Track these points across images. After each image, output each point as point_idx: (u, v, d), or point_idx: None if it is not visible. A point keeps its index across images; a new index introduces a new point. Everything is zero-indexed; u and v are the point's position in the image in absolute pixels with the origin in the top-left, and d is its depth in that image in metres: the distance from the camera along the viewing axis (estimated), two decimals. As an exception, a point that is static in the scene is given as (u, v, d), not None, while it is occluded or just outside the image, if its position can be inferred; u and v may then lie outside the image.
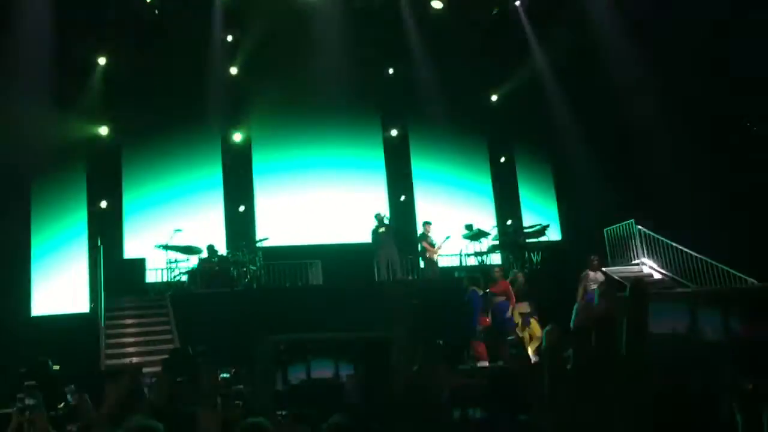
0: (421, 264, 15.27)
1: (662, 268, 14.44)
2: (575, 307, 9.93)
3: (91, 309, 13.36)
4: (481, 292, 11.07)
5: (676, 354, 0.56)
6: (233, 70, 16.15)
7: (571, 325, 7.45)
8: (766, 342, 0.53)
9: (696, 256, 13.82)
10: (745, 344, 0.53)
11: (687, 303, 0.54)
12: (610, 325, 0.56)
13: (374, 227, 14.35)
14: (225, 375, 6.38)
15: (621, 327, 0.58)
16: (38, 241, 14.57)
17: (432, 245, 14.60)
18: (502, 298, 11.18)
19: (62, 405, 7.02)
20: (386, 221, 14.46)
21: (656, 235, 14.69)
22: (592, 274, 11.46)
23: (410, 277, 15.42)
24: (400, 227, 16.47)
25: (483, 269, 13.08)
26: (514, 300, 11.15)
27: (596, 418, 0.55)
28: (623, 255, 15.40)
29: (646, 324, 0.57)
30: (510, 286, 11.37)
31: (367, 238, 14.64)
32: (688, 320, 0.54)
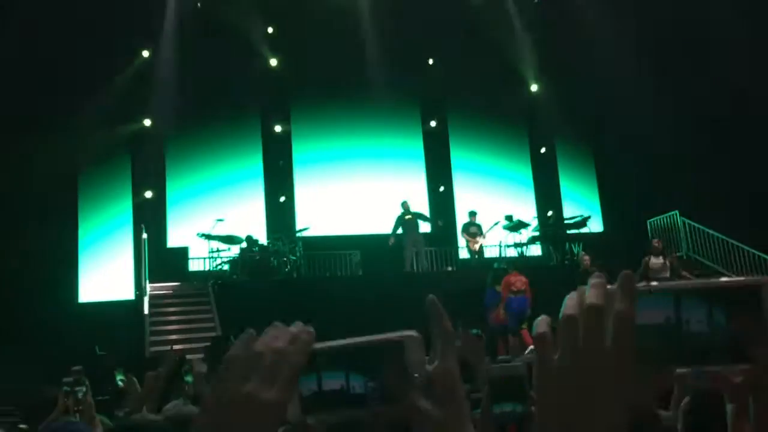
0: (465, 255, 15.24)
1: (708, 260, 14.14)
2: None
3: (136, 296, 13.66)
4: (499, 289, 11.12)
5: (663, 346, 0.55)
6: (273, 62, 16.26)
7: None
8: (751, 332, 0.52)
9: (743, 248, 13.49)
10: (732, 334, 0.52)
11: (673, 295, 0.53)
12: (598, 315, 0.55)
13: (400, 214, 14.39)
14: None
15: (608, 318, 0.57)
16: (85, 231, 14.94)
17: (473, 236, 14.57)
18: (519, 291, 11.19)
19: (111, 389, 7.21)
20: (411, 210, 14.48)
21: (702, 227, 14.37)
22: (653, 260, 10.53)
23: (450, 268, 15.41)
24: (441, 218, 16.47)
25: (521, 260, 12.99)
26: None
27: (580, 411, 0.55)
28: (668, 247, 15.09)
29: (633, 316, 0.56)
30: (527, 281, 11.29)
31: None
32: (674, 312, 0.53)
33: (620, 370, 0.65)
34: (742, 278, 0.71)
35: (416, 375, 0.72)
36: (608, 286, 0.68)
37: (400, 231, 14.32)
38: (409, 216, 14.40)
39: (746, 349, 0.68)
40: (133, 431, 2.94)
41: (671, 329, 0.69)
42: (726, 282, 0.71)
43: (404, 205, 14.48)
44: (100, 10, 13.39)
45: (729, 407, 0.78)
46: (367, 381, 0.73)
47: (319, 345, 0.75)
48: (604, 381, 0.64)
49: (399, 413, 0.72)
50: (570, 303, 0.68)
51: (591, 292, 0.68)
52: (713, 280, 0.72)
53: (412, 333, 0.74)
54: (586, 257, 11.53)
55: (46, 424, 3.22)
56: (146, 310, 12.15)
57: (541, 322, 0.70)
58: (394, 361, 0.72)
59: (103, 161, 14.85)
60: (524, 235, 15.50)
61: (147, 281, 12.97)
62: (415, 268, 14.20)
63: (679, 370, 0.73)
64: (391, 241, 14.22)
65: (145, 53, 15.36)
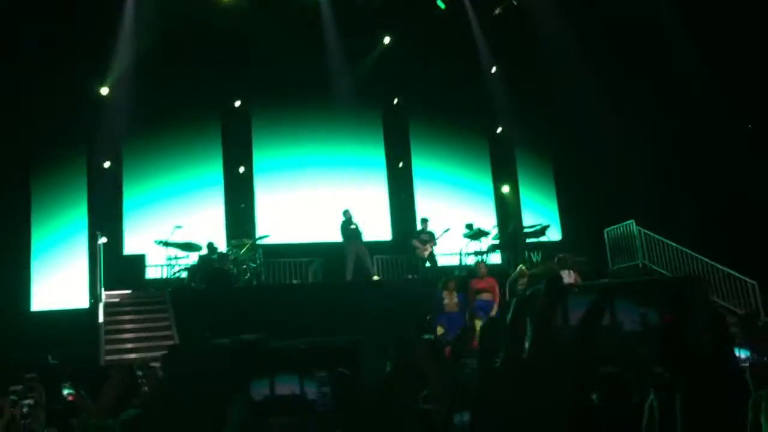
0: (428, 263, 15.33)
1: (663, 269, 14.44)
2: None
3: (90, 304, 13.37)
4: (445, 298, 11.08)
5: (597, 345, 0.56)
6: (232, 65, 16.09)
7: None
8: (678, 330, 0.53)
9: (697, 257, 13.80)
10: (661, 333, 0.53)
11: (606, 295, 0.54)
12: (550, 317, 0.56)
13: (343, 222, 14.42)
14: None
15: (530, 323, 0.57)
16: (38, 237, 14.58)
17: (424, 243, 14.65)
18: (486, 296, 11.16)
19: (62, 398, 7.03)
20: (353, 219, 14.54)
21: (657, 236, 14.67)
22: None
23: (410, 276, 15.44)
24: (404, 225, 16.56)
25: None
26: (498, 298, 11.05)
27: (520, 415, 0.55)
28: (624, 255, 15.39)
29: (551, 319, 0.56)
30: (496, 284, 11.30)
31: (369, 236, 14.74)
32: (608, 311, 0.54)
33: (555, 370, 0.65)
34: (667, 276, 0.71)
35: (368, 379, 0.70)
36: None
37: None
38: (353, 225, 14.50)
39: (671, 347, 0.68)
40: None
41: (604, 326, 0.69)
42: (650, 278, 0.71)
43: (346, 213, 14.54)
44: (54, 10, 13.15)
45: (653, 396, 0.79)
46: (319, 385, 0.71)
47: (273, 344, 0.72)
48: (543, 380, 0.65)
49: (350, 417, 0.71)
50: (516, 309, 0.68)
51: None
52: (635, 278, 0.72)
53: (365, 338, 0.73)
54: (522, 267, 11.62)
55: None
56: (101, 319, 11.89)
57: (486, 326, 0.70)
58: (347, 366, 0.71)
59: (58, 165, 14.52)
60: (484, 243, 15.63)
61: (102, 289, 12.70)
62: (375, 276, 14.23)
63: (603, 369, 0.73)
64: (349, 252, 14.28)
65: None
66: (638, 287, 0.55)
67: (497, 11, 16.86)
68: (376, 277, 14.45)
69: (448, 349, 10.27)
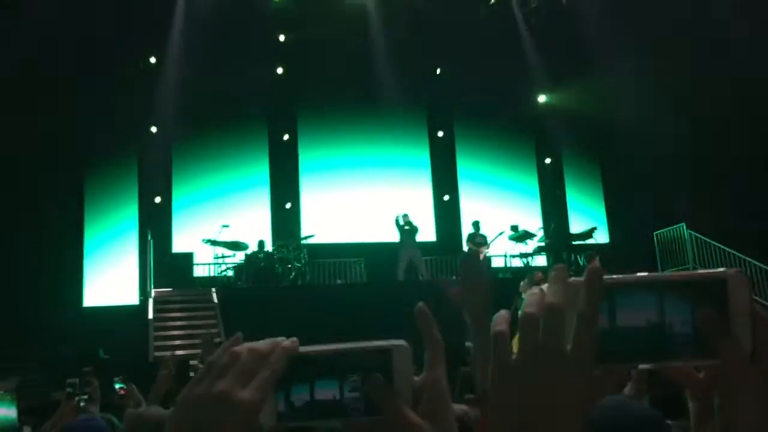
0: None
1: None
2: None
3: (140, 301, 13.67)
4: None
5: (625, 343, 0.53)
6: (280, 70, 16.30)
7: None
8: (715, 326, 0.50)
9: (750, 261, 13.42)
10: (695, 329, 0.50)
11: (653, 291, 0.51)
12: (558, 314, 0.54)
13: (400, 224, 14.48)
14: None
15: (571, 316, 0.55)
16: (91, 235, 14.97)
17: (478, 246, 14.53)
18: None
19: (113, 393, 7.20)
20: (411, 221, 14.53)
21: (709, 240, 14.31)
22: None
23: (455, 278, 15.34)
24: (446, 227, 16.52)
25: (528, 271, 12.92)
26: None
27: (536, 413, 0.53)
28: (674, 260, 15.05)
29: (595, 318, 0.54)
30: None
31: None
32: (656, 311, 0.51)
33: (580, 372, 0.63)
34: (706, 271, 0.69)
35: (403, 386, 0.70)
36: (571, 279, 0.66)
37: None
38: (408, 227, 14.48)
39: (710, 344, 0.66)
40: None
41: (633, 324, 0.67)
42: (689, 275, 0.69)
43: (405, 217, 14.58)
44: (108, 15, 13.46)
45: (691, 406, 0.75)
46: (349, 390, 0.70)
47: (302, 348, 0.72)
48: (563, 382, 0.63)
49: (382, 426, 0.70)
50: (531, 300, 0.66)
51: (550, 288, 0.66)
52: (677, 273, 0.70)
53: (401, 342, 0.72)
54: (539, 273, 11.20)
55: (61, 424, 3.21)
56: (150, 315, 12.15)
57: (500, 319, 0.68)
58: (380, 371, 0.70)
59: (110, 166, 14.90)
60: (530, 245, 15.46)
61: (152, 286, 12.98)
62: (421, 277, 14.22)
63: (641, 367, 0.71)
64: (401, 257, 14.32)
65: (152, 59, 15.41)
66: (676, 282, 0.53)
67: (534, 4, 16.70)
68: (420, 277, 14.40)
69: None
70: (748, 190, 13.91)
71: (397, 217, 14.56)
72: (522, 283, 11.08)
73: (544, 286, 0.67)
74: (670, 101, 14.64)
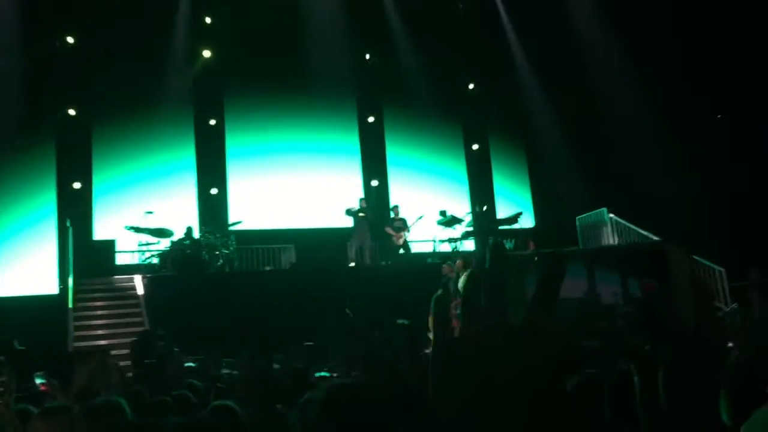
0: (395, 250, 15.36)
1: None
2: None
3: (59, 290, 13.18)
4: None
5: (575, 319, 0.53)
6: (207, 53, 15.94)
7: None
8: (660, 302, 0.51)
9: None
10: (641, 306, 0.51)
11: (585, 264, 0.51)
12: (501, 286, 0.53)
13: (355, 210, 14.47)
14: (190, 364, 6.33)
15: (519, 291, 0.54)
16: (5, 222, 14.31)
17: (398, 231, 14.69)
18: None
19: (30, 386, 6.93)
20: (366, 209, 14.59)
21: (627, 224, 14.83)
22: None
23: (383, 263, 15.43)
24: (376, 211, 16.55)
25: (455, 256, 13.11)
26: None
27: (479, 388, 0.52)
28: (595, 242, 15.53)
29: (558, 290, 0.53)
30: None
31: (340, 222, 14.72)
32: (587, 282, 0.51)
33: (529, 342, 0.62)
34: (647, 242, 0.69)
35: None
36: (512, 253, 0.65)
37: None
38: (362, 213, 14.53)
39: (653, 318, 0.66)
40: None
41: (581, 299, 0.66)
42: (630, 245, 0.68)
43: (360, 201, 14.73)
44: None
45: (636, 380, 0.76)
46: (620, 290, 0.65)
47: (563, 250, 0.66)
48: (508, 357, 0.61)
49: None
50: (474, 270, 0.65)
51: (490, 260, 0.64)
52: (615, 244, 0.69)
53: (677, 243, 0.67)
54: (459, 261, 11.31)
55: None
56: (70, 305, 11.73)
57: (441, 297, 0.67)
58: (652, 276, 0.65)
59: (25, 149, 14.25)
60: (458, 230, 15.67)
61: (71, 275, 12.52)
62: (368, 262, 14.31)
63: (587, 344, 0.70)
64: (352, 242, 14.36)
65: (70, 39, 14.79)
66: (612, 253, 0.52)
67: None
68: (351, 264, 14.44)
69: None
70: (666, 173, 14.47)
71: (361, 200, 14.62)
72: (444, 266, 11.26)
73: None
74: (591, 87, 15.08)
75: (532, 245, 11.78)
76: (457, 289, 10.43)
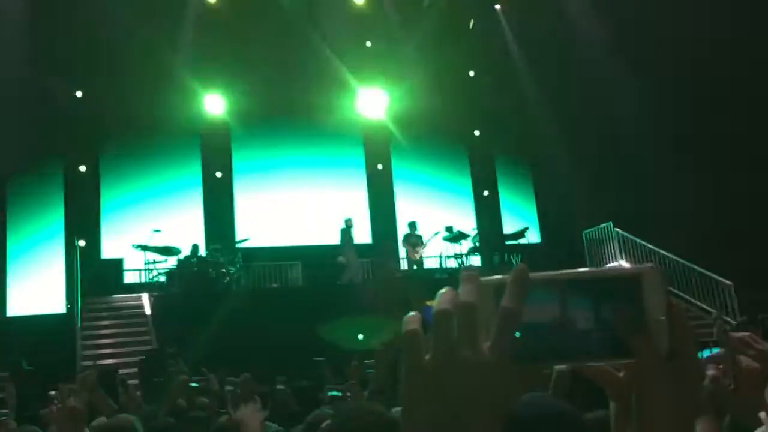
0: (404, 265, 15.38)
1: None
2: None
3: (67, 309, 13.22)
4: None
5: (550, 343, 0.53)
6: (214, 72, 16.03)
7: None
8: (632, 324, 0.51)
9: (673, 258, 13.93)
10: (614, 327, 0.51)
11: (567, 288, 0.51)
12: (473, 310, 0.53)
13: (346, 228, 14.50)
14: (195, 384, 6.31)
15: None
16: (14, 241, 14.38)
17: (414, 247, 14.72)
18: None
19: (39, 405, 6.94)
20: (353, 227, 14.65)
21: (634, 238, 14.80)
22: None
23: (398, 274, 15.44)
24: (382, 228, 16.62)
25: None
26: None
27: (451, 415, 0.52)
28: (601, 257, 15.51)
29: (519, 314, 0.54)
30: None
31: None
32: (559, 308, 0.51)
33: (499, 370, 0.61)
34: (621, 267, 0.68)
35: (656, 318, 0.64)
36: (483, 279, 0.65)
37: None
38: (350, 231, 14.65)
39: (627, 343, 0.64)
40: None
41: (552, 324, 0.65)
42: (604, 271, 0.67)
43: (349, 221, 14.68)
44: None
45: (611, 406, 0.75)
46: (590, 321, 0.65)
47: (534, 275, 0.66)
48: (482, 381, 0.61)
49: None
50: (443, 298, 0.63)
51: (463, 287, 0.63)
52: (591, 270, 0.68)
53: (651, 266, 0.66)
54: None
55: None
56: (78, 324, 11.76)
57: (412, 319, 0.64)
58: (627, 301, 0.65)
59: (33, 169, 14.34)
60: (464, 245, 15.67)
61: (79, 293, 12.56)
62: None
63: (557, 367, 0.69)
64: (341, 259, 14.31)
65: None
66: (592, 279, 0.53)
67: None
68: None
69: None
70: (673, 188, 14.44)
71: (348, 220, 14.61)
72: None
73: (447, 288, 0.64)
74: (595, 102, 15.11)
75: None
76: None
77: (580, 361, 0.66)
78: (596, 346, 0.64)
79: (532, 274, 0.64)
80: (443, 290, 0.64)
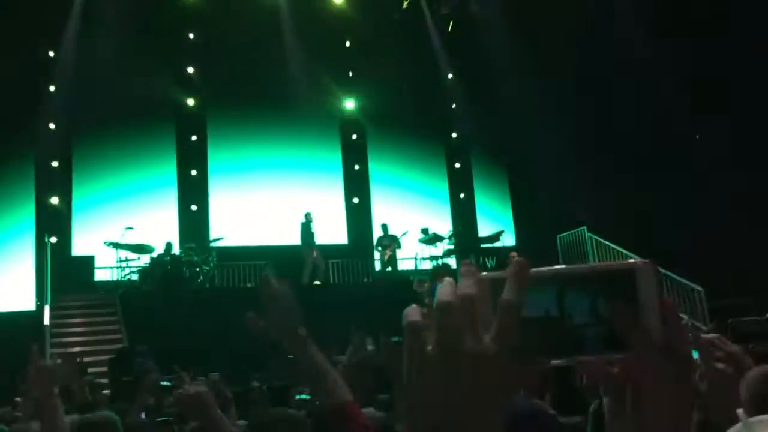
0: (377, 266, 15.41)
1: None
2: None
3: (37, 307, 13.01)
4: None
5: (545, 339, 0.53)
6: (190, 69, 15.92)
7: None
8: (626, 318, 0.51)
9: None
10: (608, 322, 0.51)
11: (561, 284, 0.51)
12: (474, 303, 0.52)
13: (308, 223, 14.43)
14: (165, 383, 6.23)
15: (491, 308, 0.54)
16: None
17: (386, 247, 14.77)
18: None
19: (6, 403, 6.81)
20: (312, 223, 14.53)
21: (606, 242, 14.95)
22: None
23: (365, 280, 15.45)
24: (358, 229, 16.63)
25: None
26: None
27: (452, 409, 0.51)
28: (575, 261, 15.63)
29: (523, 303, 0.53)
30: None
31: (326, 240, 14.75)
32: (557, 303, 0.51)
33: (498, 365, 0.61)
34: (615, 262, 0.68)
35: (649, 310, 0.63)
36: (482, 275, 0.64)
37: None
38: (312, 230, 14.49)
39: (622, 337, 0.63)
40: None
41: (547, 319, 0.64)
42: (599, 266, 0.67)
43: (309, 216, 14.50)
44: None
45: (605, 401, 0.75)
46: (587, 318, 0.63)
47: (530, 271, 0.64)
48: (484, 374, 0.60)
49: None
50: (444, 290, 0.62)
51: (463, 281, 0.63)
52: (585, 265, 0.67)
53: (645, 260, 0.65)
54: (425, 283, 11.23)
55: None
56: (47, 321, 11.59)
57: (412, 311, 0.64)
58: (621, 295, 0.64)
59: (3, 164, 14.09)
60: (440, 248, 15.72)
61: (49, 291, 12.37)
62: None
63: (553, 362, 0.68)
64: (314, 254, 14.20)
65: (51, 53, 14.70)
66: (582, 276, 0.53)
67: (445, 11, 17.08)
68: (316, 282, 14.28)
69: None
70: (646, 193, 14.62)
71: (308, 214, 14.45)
72: (414, 282, 11.23)
73: (447, 281, 0.64)
74: (573, 108, 15.24)
75: (514, 256, 11.74)
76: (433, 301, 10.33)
77: (576, 356, 0.65)
78: (592, 341, 0.63)
79: (534, 270, 0.64)
80: (444, 281, 0.63)
